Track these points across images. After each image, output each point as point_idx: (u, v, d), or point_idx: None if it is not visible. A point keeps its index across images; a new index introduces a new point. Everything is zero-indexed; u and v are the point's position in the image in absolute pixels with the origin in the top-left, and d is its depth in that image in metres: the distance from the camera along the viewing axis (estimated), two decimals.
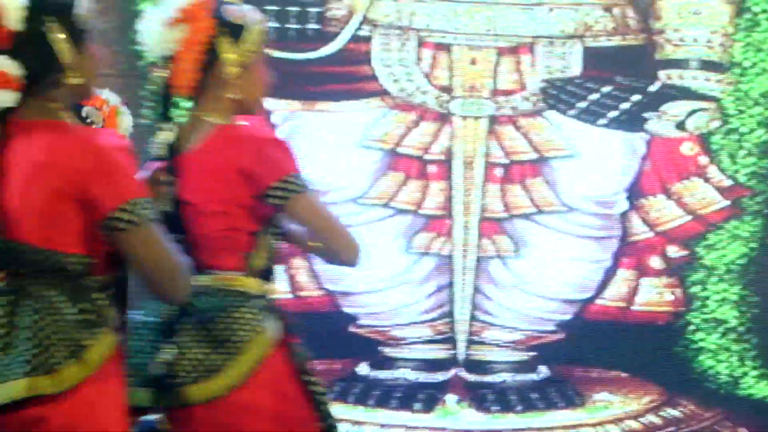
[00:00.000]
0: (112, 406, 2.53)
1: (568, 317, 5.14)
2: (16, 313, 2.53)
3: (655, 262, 5.21)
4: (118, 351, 2.56)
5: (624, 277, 5.13)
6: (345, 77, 5.29)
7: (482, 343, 5.19)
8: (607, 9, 5.23)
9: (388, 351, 5.29)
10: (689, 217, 5.22)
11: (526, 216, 5.12)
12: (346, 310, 5.17)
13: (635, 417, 5.19)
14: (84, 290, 2.45)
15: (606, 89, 5.18)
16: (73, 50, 2.58)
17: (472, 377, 5.19)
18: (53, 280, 2.45)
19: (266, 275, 3.02)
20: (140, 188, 2.42)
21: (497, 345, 5.15)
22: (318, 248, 3.05)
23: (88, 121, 3.23)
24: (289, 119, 5.09)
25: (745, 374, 5.28)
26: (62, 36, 2.59)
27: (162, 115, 2.94)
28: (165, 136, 2.93)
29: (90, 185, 2.40)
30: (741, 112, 5.26)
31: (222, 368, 2.87)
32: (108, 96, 3.29)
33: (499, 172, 5.15)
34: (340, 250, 3.02)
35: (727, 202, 5.23)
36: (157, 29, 2.99)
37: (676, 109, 5.22)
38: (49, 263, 2.43)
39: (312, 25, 5.25)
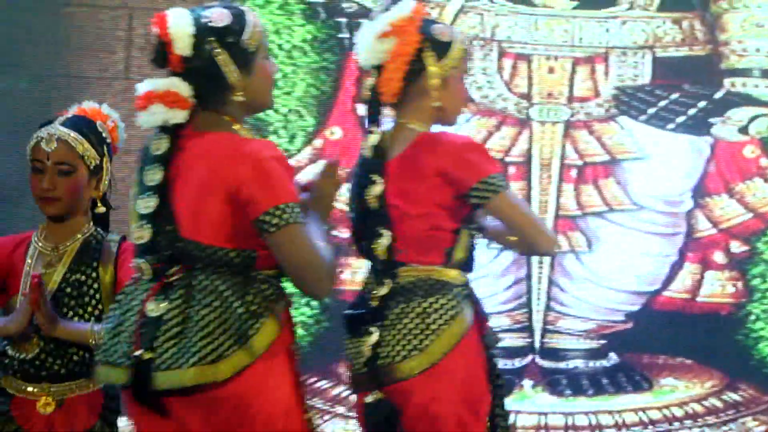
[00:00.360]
0: (279, 386, 2.66)
1: (636, 308, 5.27)
2: (189, 304, 2.68)
3: (718, 256, 5.34)
4: (285, 335, 2.68)
5: (689, 270, 5.24)
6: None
7: (557, 332, 5.30)
8: (676, 22, 5.37)
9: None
10: (750, 215, 5.35)
11: (598, 214, 5.24)
12: None
13: (698, 400, 5.30)
14: (249, 282, 2.61)
15: (674, 96, 5.31)
16: (238, 71, 2.70)
17: (547, 364, 5.30)
18: (221, 273, 2.60)
19: (464, 267, 3.17)
20: (290, 193, 2.54)
21: (570, 334, 5.26)
22: (515, 242, 3.21)
23: (103, 135, 3.43)
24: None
25: None
26: (226, 58, 2.71)
27: (371, 120, 3.11)
28: (373, 140, 3.10)
29: (246, 189, 2.56)
30: None
31: (423, 349, 3.04)
32: (108, 111, 3.44)
33: (573, 173, 5.31)
34: (536, 243, 3.16)
35: None
36: (370, 40, 3.16)
37: (739, 114, 5.37)
38: (216, 258, 2.58)
39: None
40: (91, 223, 3.37)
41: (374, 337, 3.13)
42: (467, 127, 5.38)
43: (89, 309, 3.29)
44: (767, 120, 5.42)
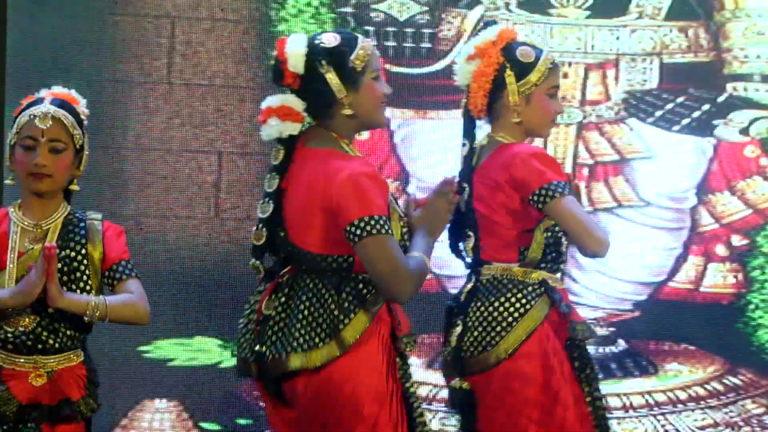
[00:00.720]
0: (368, 375, 2.92)
1: (643, 297, 5.46)
2: (292, 301, 2.99)
3: (720, 249, 5.49)
4: (381, 328, 2.96)
5: (693, 262, 5.40)
6: (452, 89, 5.21)
7: None
8: (682, 30, 5.54)
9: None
10: (750, 211, 5.51)
11: (608, 210, 5.40)
12: (450, 290, 5.18)
13: (701, 384, 5.45)
14: (346, 282, 2.89)
15: (680, 100, 5.47)
16: (344, 87, 3.02)
17: None
18: (321, 275, 2.90)
19: (542, 265, 3.45)
20: (377, 207, 2.82)
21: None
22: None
23: (82, 118, 3.39)
24: (404, 125, 5.38)
25: None
26: (333, 76, 3.02)
27: (464, 133, 3.48)
28: (463, 151, 3.49)
29: (338, 201, 2.86)
30: None
31: (496, 344, 3.33)
32: (79, 97, 3.42)
33: (585, 171, 5.48)
34: (585, 245, 3.40)
35: None
36: (461, 62, 3.55)
37: (741, 117, 5.54)
38: (316, 263, 2.88)
39: (425, 44, 5.55)
40: (66, 202, 3.41)
41: (458, 329, 3.41)
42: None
43: (80, 284, 3.33)
44: (767, 122, 5.58)
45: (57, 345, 3.27)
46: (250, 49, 5.52)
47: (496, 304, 3.44)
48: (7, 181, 3.37)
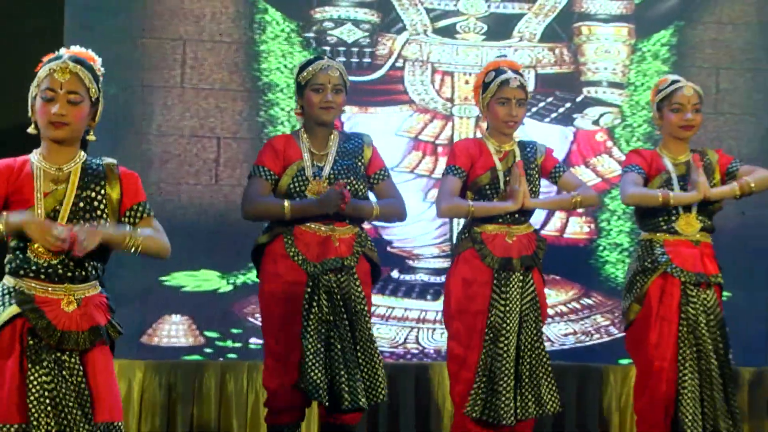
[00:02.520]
0: None
1: None
2: None
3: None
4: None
5: (558, 216, 5.95)
6: (387, 92, 6.03)
7: None
8: (551, 49, 6.07)
9: (411, 262, 5.99)
10: (599, 179, 6.05)
11: None
12: (385, 237, 5.87)
13: (564, 303, 6.06)
14: None
15: (549, 100, 6.03)
16: (297, 96, 4.64)
17: None
18: None
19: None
20: (260, 160, 4.55)
21: None
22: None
23: (98, 75, 3.39)
24: (352, 118, 5.86)
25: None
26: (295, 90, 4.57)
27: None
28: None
29: None
30: (633, 114, 6.10)
31: None
32: (96, 57, 3.44)
33: None
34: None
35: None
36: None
37: (593, 112, 6.11)
38: None
39: (366, 60, 5.97)
40: (83, 151, 3.35)
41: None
42: (411, 119, 5.98)
43: (101, 216, 3.32)
44: (611, 115, 6.10)
45: (84, 274, 3.26)
46: (241, 62, 5.94)
47: None
48: (30, 129, 3.32)
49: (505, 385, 4.55)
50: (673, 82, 4.91)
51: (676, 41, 6.15)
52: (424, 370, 5.81)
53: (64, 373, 3.20)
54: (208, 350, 5.84)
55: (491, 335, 4.59)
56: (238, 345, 5.86)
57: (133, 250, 3.25)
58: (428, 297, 5.97)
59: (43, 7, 5.63)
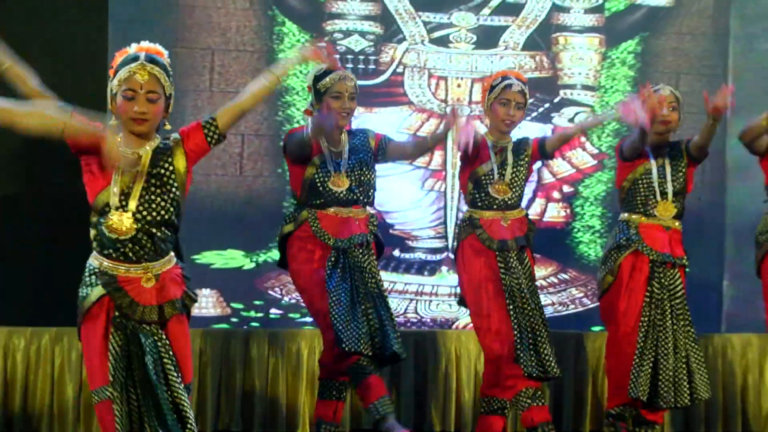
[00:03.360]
0: None
1: None
2: None
3: (556, 194, 6.14)
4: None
5: (539, 203, 6.03)
6: (389, 94, 6.09)
7: None
8: (532, 57, 6.13)
9: (410, 242, 6.06)
10: (574, 170, 6.16)
11: None
12: (388, 220, 5.93)
13: (543, 278, 6.07)
14: None
15: (530, 100, 5.49)
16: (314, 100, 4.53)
17: (454, 256, 5.33)
18: None
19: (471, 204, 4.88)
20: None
21: None
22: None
23: (169, 70, 3.25)
24: (359, 116, 5.72)
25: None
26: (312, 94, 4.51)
27: None
28: None
29: None
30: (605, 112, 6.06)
31: None
32: (163, 50, 3.32)
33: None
34: None
35: (595, 162, 6.15)
36: None
37: (568, 111, 6.18)
38: None
39: (371, 66, 6.03)
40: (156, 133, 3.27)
41: None
42: (410, 118, 6.03)
43: (171, 195, 3.25)
44: (585, 114, 6.14)
45: (157, 250, 3.22)
46: (262, 69, 5.25)
47: None
48: (111, 122, 3.25)
49: (542, 340, 4.72)
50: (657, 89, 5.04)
51: (641, 50, 6.24)
52: (423, 337, 5.83)
53: (148, 342, 3.20)
54: (234, 320, 5.92)
55: (512, 302, 4.71)
56: (260, 315, 5.93)
57: None
58: (425, 273, 6.06)
59: (90, 20, 5.72)
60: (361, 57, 6.00)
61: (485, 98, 4.81)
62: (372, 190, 4.68)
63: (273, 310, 5.92)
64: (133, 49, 3.25)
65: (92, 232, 3.24)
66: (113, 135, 3.07)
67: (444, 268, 6.01)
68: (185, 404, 3.20)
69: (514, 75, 4.86)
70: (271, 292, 5.90)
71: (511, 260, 4.74)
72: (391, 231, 5.90)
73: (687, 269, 5.05)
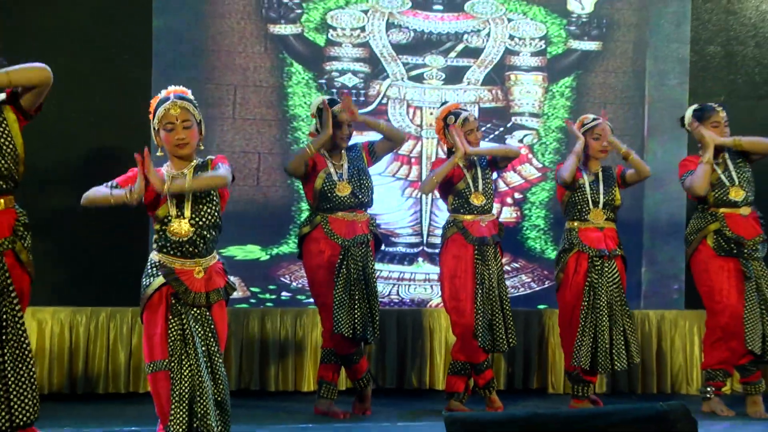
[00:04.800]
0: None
1: None
2: None
3: (509, 200, 6.12)
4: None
5: (495, 207, 5.59)
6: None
7: (433, 234, 5.93)
8: (490, 90, 6.12)
9: (393, 239, 6.00)
10: (523, 180, 6.15)
11: None
12: (377, 221, 5.27)
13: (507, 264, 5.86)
14: None
15: (488, 125, 6.06)
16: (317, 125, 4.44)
17: (429, 249, 5.96)
18: None
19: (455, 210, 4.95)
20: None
21: (437, 235, 5.66)
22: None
23: (194, 102, 3.27)
24: (353, 138, 5.06)
25: (547, 249, 6.14)
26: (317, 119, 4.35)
27: None
28: None
29: None
30: (546, 135, 6.17)
31: None
32: (187, 90, 3.36)
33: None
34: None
35: (539, 174, 6.14)
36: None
37: (519, 134, 6.17)
38: None
39: (362, 98, 5.97)
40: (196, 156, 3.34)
41: None
42: None
43: (213, 204, 3.32)
44: (531, 136, 6.15)
45: (207, 248, 3.29)
46: (274, 101, 5.90)
47: None
48: (158, 153, 3.30)
49: (497, 320, 4.88)
50: (594, 119, 5.12)
51: (576, 84, 6.25)
52: (403, 314, 5.90)
53: (197, 322, 3.23)
54: (252, 301, 5.87)
55: (481, 289, 4.83)
56: (273, 297, 5.90)
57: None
58: (405, 263, 6.06)
59: (137, 64, 5.69)
60: (354, 91, 5.97)
61: (444, 131, 4.92)
62: (370, 192, 4.83)
63: (284, 293, 5.91)
64: (163, 93, 3.33)
65: (155, 236, 3.31)
66: (147, 168, 3.11)
67: (420, 259, 6.01)
68: (221, 371, 3.30)
69: (455, 107, 4.99)
70: (282, 278, 5.89)
71: (488, 253, 4.86)
72: (378, 229, 5.50)
73: (624, 258, 5.12)
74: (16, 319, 3.23)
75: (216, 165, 3.31)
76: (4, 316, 3.21)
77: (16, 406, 3.16)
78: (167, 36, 5.66)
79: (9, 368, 3.19)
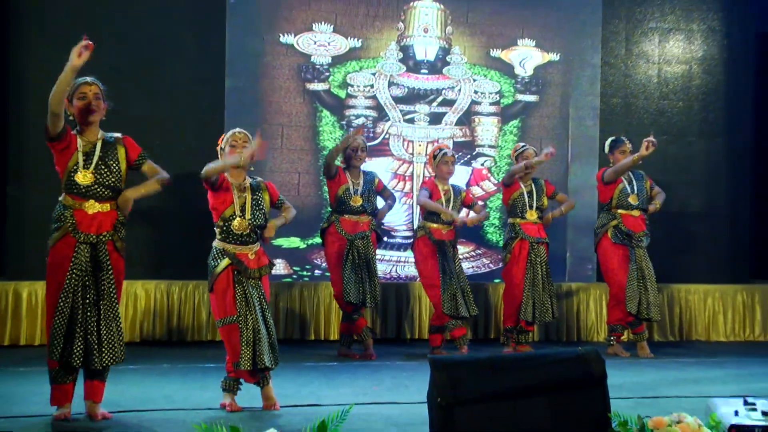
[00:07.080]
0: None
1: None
2: None
3: (477, 207, 5.51)
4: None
5: (465, 210, 5.53)
6: (381, 151, 6.14)
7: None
8: (460, 129, 6.24)
9: (393, 233, 6.09)
10: (484, 192, 6.27)
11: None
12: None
13: (468, 252, 6.12)
14: None
15: (459, 154, 6.12)
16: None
17: None
18: None
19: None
20: None
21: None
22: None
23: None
24: (366, 164, 5.37)
25: (500, 241, 5.97)
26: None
27: None
28: None
29: None
30: (500, 160, 6.28)
31: None
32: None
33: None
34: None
35: (495, 188, 6.25)
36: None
37: (481, 160, 6.32)
38: None
39: (371, 134, 6.05)
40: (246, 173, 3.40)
41: None
42: (392, 164, 6.01)
43: (263, 209, 3.34)
44: (489, 161, 6.29)
45: (256, 238, 3.41)
46: (309, 137, 5.89)
47: None
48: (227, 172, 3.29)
49: (459, 291, 4.96)
50: (524, 147, 5.36)
51: (521, 125, 6.33)
52: (400, 286, 6.02)
53: (254, 288, 3.35)
54: (294, 276, 6.02)
55: (442, 271, 5.02)
56: (308, 274, 6.03)
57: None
58: (402, 250, 6.19)
59: (216, 110, 5.72)
60: (365, 128, 6.05)
61: (432, 162, 5.02)
62: (374, 205, 5.13)
63: (317, 271, 6.04)
64: (228, 133, 3.48)
65: (218, 229, 3.39)
66: (258, 142, 3.21)
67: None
68: (271, 322, 3.41)
69: (445, 147, 5.10)
70: (315, 261, 6.04)
71: (447, 250, 5.09)
72: (382, 226, 5.81)
73: (548, 244, 5.34)
74: (111, 289, 3.26)
75: (278, 197, 3.46)
76: (102, 285, 3.23)
77: (105, 351, 3.19)
78: (235, 91, 5.87)
79: (103, 324, 3.20)
